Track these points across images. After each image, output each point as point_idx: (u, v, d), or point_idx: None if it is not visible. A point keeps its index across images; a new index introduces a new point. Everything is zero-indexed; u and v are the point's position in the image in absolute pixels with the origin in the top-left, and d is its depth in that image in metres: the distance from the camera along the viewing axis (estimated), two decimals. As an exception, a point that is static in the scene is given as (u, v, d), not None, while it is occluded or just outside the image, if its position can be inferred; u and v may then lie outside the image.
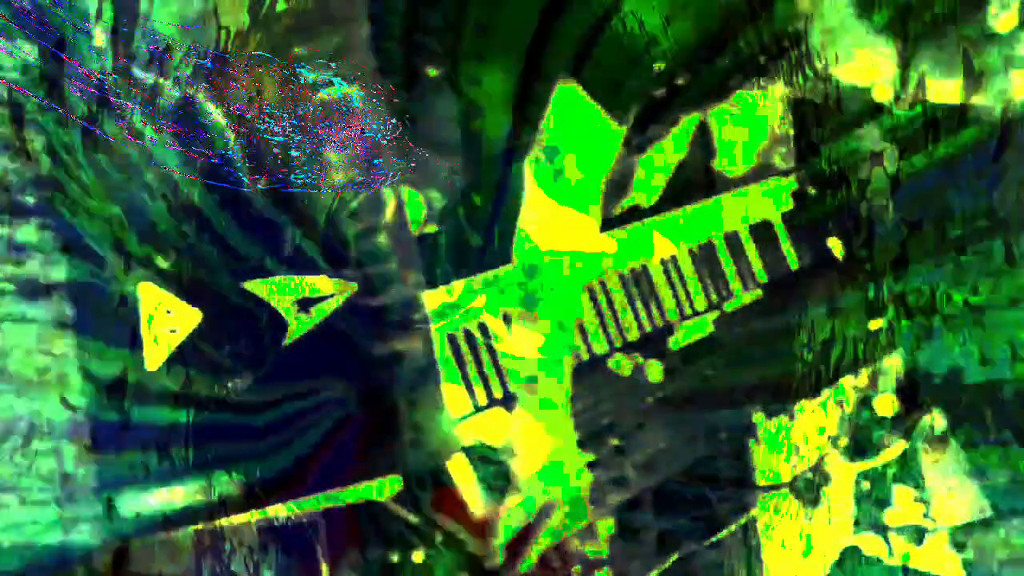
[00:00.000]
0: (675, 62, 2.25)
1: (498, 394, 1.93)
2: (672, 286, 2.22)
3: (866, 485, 2.46)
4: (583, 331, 2.07)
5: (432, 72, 2.04)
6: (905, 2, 2.36)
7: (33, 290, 1.50)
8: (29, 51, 1.51)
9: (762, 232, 2.40)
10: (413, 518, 1.88)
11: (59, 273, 1.51)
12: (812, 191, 2.48)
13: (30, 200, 1.52)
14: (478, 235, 2.12)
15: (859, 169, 2.55)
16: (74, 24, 1.49)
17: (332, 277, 1.59)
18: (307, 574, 1.78)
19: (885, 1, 2.38)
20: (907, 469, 2.45)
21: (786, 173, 2.47)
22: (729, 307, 2.29)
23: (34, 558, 1.54)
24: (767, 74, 2.44)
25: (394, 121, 1.67)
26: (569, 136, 2.01)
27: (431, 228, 2.11)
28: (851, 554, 2.46)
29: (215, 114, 1.58)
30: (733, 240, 2.34)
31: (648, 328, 2.16)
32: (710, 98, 2.40)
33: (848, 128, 2.52)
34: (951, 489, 2.43)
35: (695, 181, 2.47)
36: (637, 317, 2.15)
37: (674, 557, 2.15)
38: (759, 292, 2.35)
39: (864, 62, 2.43)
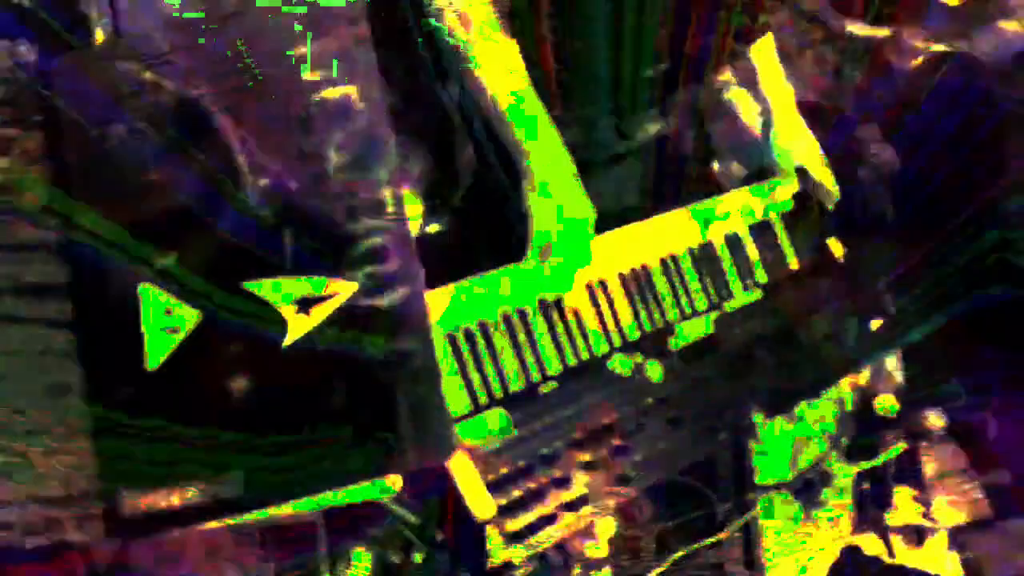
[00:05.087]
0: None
1: (498, 394, 1.93)
2: (672, 286, 2.21)
3: (866, 485, 2.47)
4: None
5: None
6: None
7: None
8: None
9: (762, 232, 2.39)
10: (413, 518, 1.88)
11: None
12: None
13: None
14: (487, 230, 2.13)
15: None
16: None
17: (332, 277, 1.58)
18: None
19: None
20: (907, 469, 2.45)
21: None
22: (729, 307, 2.29)
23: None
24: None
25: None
26: None
27: (432, 228, 2.11)
28: (851, 554, 2.47)
29: None
30: (733, 240, 2.34)
31: (648, 328, 2.16)
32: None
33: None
34: (951, 489, 2.43)
35: (696, 181, 2.48)
36: (637, 317, 2.15)
37: (674, 557, 2.15)
38: (759, 292, 2.35)
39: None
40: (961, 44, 2.36)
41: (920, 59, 2.47)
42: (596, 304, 2.09)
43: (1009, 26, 2.28)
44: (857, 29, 2.44)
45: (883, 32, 2.44)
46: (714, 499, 2.22)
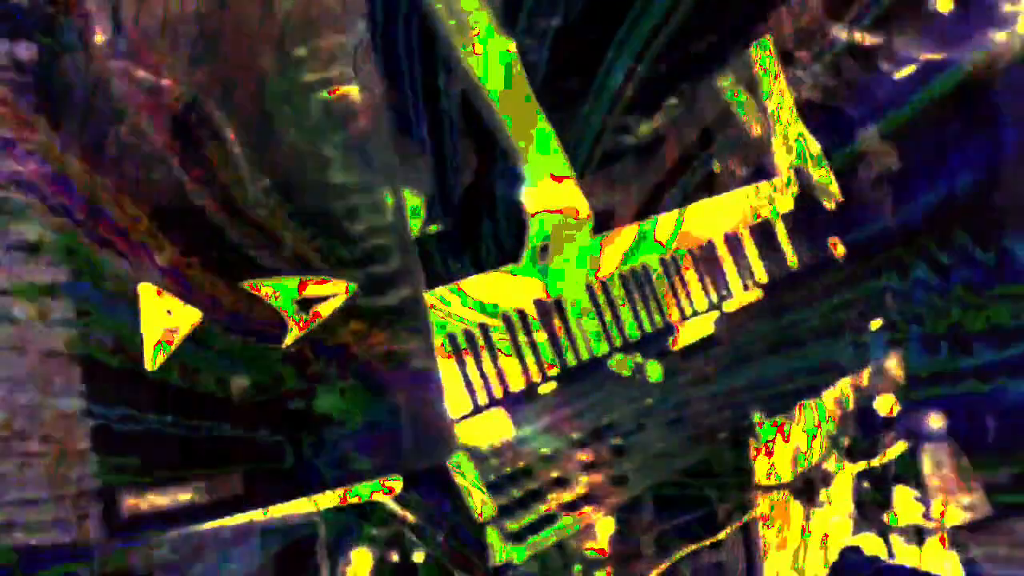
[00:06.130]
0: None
1: (498, 394, 1.93)
2: (672, 286, 2.21)
3: (866, 485, 2.47)
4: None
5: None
6: None
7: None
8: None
9: (762, 232, 2.40)
10: (413, 518, 1.88)
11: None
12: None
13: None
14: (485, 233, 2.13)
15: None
16: None
17: (332, 277, 1.58)
18: None
19: None
20: (907, 469, 2.45)
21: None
22: (729, 307, 2.29)
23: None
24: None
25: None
26: None
27: (432, 228, 2.11)
28: (850, 554, 2.47)
29: None
30: (733, 240, 2.34)
31: (648, 328, 2.16)
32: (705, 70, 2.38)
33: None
34: (951, 489, 2.43)
35: (695, 181, 2.47)
36: (637, 317, 2.15)
37: (674, 557, 2.15)
38: (759, 292, 2.35)
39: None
40: (952, 53, 2.37)
41: (912, 67, 2.48)
42: (596, 304, 2.09)
43: (1000, 36, 2.29)
44: (850, 36, 2.45)
45: (875, 40, 2.45)
46: (714, 499, 2.22)
